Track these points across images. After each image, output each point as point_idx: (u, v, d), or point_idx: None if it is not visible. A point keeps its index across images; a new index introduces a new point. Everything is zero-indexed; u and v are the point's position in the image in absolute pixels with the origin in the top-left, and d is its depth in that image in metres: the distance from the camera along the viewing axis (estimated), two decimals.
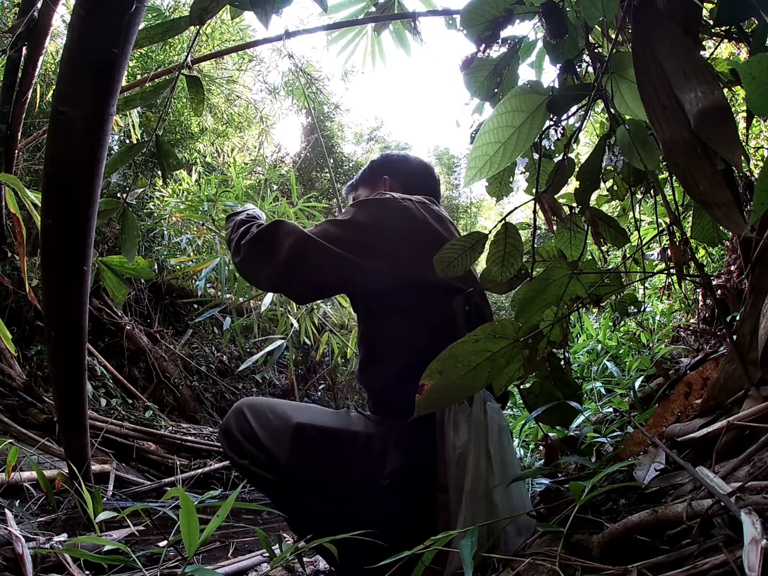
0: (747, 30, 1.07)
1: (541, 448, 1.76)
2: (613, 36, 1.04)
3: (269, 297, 3.16)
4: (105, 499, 2.22)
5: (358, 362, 1.27)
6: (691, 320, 2.99)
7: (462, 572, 0.67)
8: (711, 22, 1.04)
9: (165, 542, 1.40)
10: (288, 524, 1.16)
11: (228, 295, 3.39)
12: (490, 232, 0.99)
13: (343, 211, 1.25)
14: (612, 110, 0.97)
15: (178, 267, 4.48)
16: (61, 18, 3.73)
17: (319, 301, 3.37)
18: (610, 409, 1.83)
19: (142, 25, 1.23)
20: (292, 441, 1.04)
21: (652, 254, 2.29)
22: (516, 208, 1.09)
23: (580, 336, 3.03)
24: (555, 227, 1.13)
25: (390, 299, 1.15)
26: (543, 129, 0.95)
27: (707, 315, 2.70)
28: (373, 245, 1.14)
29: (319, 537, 0.90)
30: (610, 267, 1.48)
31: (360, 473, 1.03)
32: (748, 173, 1.53)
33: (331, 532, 0.90)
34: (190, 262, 4.06)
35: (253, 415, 1.09)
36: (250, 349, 5.43)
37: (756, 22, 0.93)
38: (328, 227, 1.15)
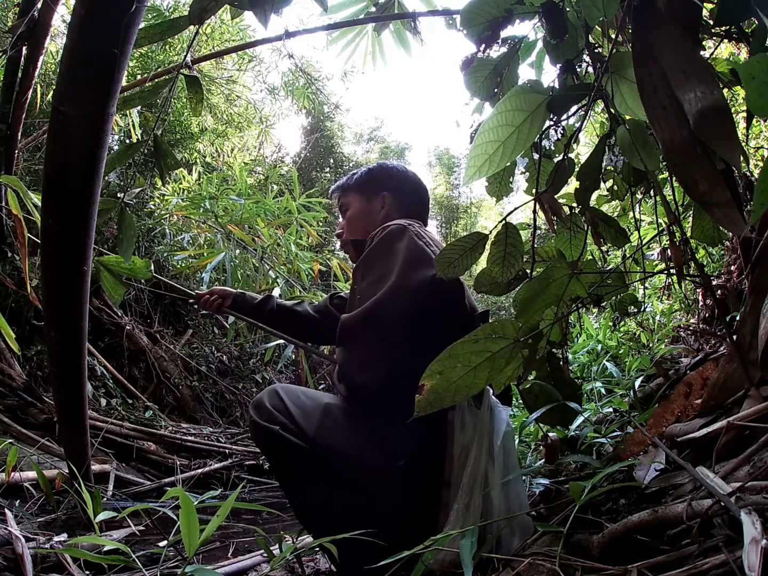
0: (747, 30, 1.07)
1: (541, 448, 1.76)
2: (613, 36, 1.04)
3: (276, 291, 3.19)
4: (105, 499, 2.21)
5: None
6: (691, 320, 2.99)
7: (450, 566, 0.67)
8: (711, 22, 1.04)
9: (165, 542, 1.40)
10: (296, 514, 1.17)
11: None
12: (490, 232, 0.99)
13: (362, 274, 1.24)
14: (612, 110, 0.97)
15: (182, 263, 4.48)
16: (61, 18, 3.74)
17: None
18: (610, 409, 1.82)
19: (142, 25, 1.23)
20: (322, 416, 1.11)
21: (652, 254, 2.29)
22: (516, 209, 1.09)
23: (580, 336, 3.03)
24: (555, 227, 1.13)
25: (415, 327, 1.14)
26: (543, 129, 0.95)
27: (707, 315, 2.70)
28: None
29: (326, 529, 0.92)
30: (610, 267, 1.47)
31: (378, 453, 1.08)
32: (748, 173, 1.53)
33: (337, 523, 0.92)
34: (194, 258, 4.08)
35: (286, 393, 1.15)
36: (250, 350, 5.44)
37: (756, 22, 0.93)
38: (378, 293, 1.14)
